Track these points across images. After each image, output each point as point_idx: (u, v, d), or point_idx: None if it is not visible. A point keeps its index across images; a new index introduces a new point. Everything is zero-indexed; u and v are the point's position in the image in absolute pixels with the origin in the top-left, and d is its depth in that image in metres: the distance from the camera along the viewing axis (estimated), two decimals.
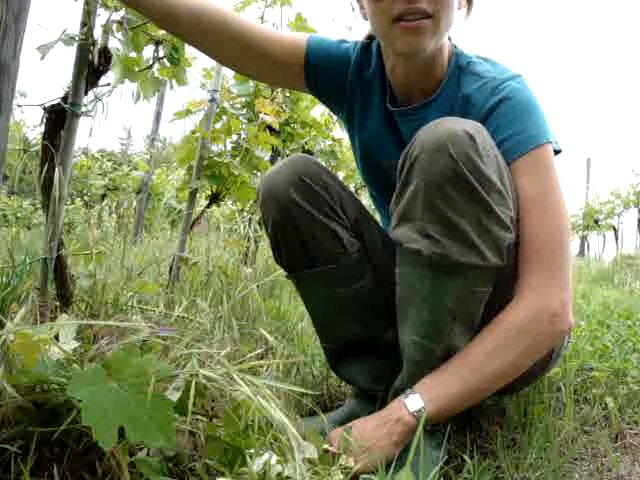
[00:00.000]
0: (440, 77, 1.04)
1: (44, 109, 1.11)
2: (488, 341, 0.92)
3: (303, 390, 0.81)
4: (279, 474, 0.65)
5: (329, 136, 3.63)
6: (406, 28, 0.92)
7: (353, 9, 1.18)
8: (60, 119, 1.10)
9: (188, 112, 2.08)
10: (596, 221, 10.18)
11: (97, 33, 1.12)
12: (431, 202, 0.86)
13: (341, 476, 0.74)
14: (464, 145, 0.85)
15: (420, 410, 0.89)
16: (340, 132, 3.72)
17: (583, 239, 11.16)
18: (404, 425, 0.89)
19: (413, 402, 0.90)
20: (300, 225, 1.04)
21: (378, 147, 1.13)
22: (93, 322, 0.89)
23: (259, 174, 2.37)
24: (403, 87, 1.07)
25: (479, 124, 0.91)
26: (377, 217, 1.26)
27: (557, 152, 0.99)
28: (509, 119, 0.96)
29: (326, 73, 1.11)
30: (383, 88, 1.10)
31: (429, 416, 0.89)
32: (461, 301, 0.90)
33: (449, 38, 1.06)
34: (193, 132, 2.10)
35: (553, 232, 0.94)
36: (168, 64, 1.41)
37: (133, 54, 1.28)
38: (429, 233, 0.87)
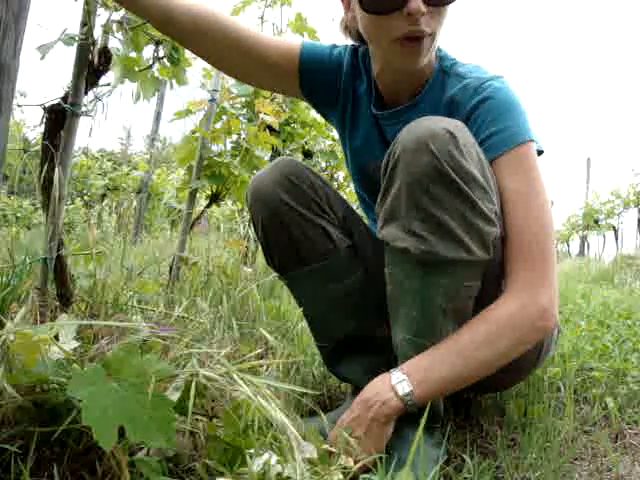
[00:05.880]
0: (426, 79, 1.05)
1: (44, 109, 1.11)
2: (479, 331, 0.92)
3: (303, 390, 0.81)
4: (279, 474, 0.65)
5: (329, 136, 3.63)
6: (407, 48, 0.94)
7: (333, 19, 1.14)
8: (60, 119, 1.10)
9: (188, 112, 2.09)
10: (596, 221, 10.18)
11: (97, 33, 1.12)
12: (415, 200, 0.87)
13: (341, 476, 0.73)
14: (445, 142, 0.85)
15: (408, 394, 0.89)
16: None
17: (583, 239, 11.16)
18: (390, 408, 0.89)
19: (401, 385, 0.90)
20: (289, 224, 1.06)
21: (367, 152, 1.13)
22: (93, 322, 0.89)
23: None
24: (390, 90, 1.08)
25: (459, 122, 0.91)
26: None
27: (540, 152, 1.00)
28: (491, 118, 0.97)
29: (319, 79, 1.12)
30: (370, 92, 1.11)
31: (415, 399, 0.90)
32: (451, 297, 0.91)
33: None
34: (193, 132, 2.10)
35: (539, 229, 0.94)
36: (168, 64, 1.41)
37: (133, 54, 1.28)
38: (415, 231, 0.87)
